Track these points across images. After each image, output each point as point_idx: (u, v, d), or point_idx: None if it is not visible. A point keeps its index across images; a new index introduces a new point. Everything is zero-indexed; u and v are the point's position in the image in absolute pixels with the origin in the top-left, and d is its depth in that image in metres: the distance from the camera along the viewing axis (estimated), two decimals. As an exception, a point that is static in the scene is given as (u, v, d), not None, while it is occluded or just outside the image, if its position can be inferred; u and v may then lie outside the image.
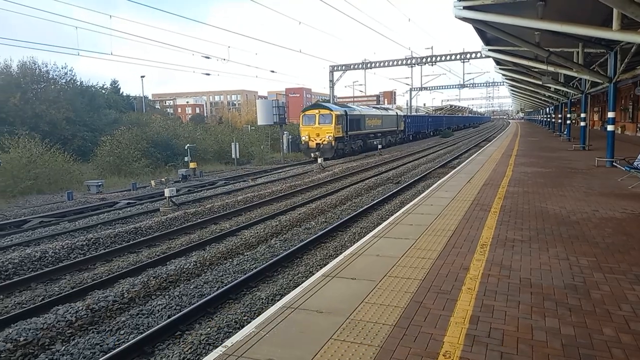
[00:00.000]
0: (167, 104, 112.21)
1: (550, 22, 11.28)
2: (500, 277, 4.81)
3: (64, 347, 5.46)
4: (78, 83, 39.41)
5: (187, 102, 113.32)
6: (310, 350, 3.42)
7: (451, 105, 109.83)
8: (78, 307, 6.27)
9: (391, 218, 7.90)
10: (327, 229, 10.43)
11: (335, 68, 46.42)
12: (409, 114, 62.21)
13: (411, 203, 9.21)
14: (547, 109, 50.57)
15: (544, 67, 16.80)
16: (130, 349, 5.24)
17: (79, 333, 5.86)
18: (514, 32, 13.64)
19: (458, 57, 42.93)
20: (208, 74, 32.56)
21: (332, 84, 46.92)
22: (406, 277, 4.88)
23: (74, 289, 7.26)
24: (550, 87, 25.76)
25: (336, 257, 8.09)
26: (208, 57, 26.80)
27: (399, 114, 43.87)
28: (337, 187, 17.22)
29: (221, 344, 5.28)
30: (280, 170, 24.85)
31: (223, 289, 7.03)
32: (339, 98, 64.31)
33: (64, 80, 36.94)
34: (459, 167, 16.20)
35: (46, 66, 34.84)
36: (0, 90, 31.11)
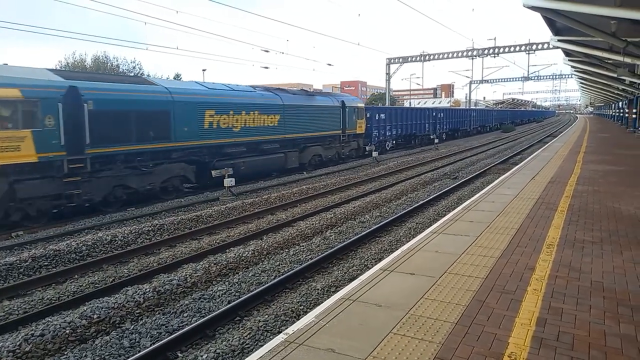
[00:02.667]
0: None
1: (629, 10, 10.50)
2: (569, 279, 4.58)
3: (133, 326, 5.79)
4: (145, 76, 41.40)
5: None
6: (370, 342, 3.43)
7: (513, 99, 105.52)
8: (145, 289, 6.63)
9: (450, 214, 7.72)
10: (381, 223, 10.35)
11: (391, 60, 45.82)
12: (389, 105, 43.59)
13: (471, 199, 8.96)
14: (620, 103, 47.31)
15: (619, 58, 15.71)
16: (194, 331, 5.49)
17: (147, 313, 6.20)
18: (587, 21, 12.83)
19: (523, 48, 41.08)
20: (267, 67, 33.05)
21: (388, 76, 46.39)
22: (467, 275, 4.76)
23: (142, 272, 7.68)
24: (624, 80, 24.05)
25: (391, 251, 8.06)
26: (267, 51, 27.25)
27: (348, 105, 23.35)
28: (392, 181, 17.03)
29: (279, 332, 5.44)
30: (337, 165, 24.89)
31: (280, 278, 7.18)
32: (395, 91, 63.26)
33: (132, 74, 38.96)
34: (522, 163, 15.54)
35: (117, 60, 36.93)
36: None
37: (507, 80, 71.73)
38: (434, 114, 37.81)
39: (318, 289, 6.82)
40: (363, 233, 9.61)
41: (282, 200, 13.73)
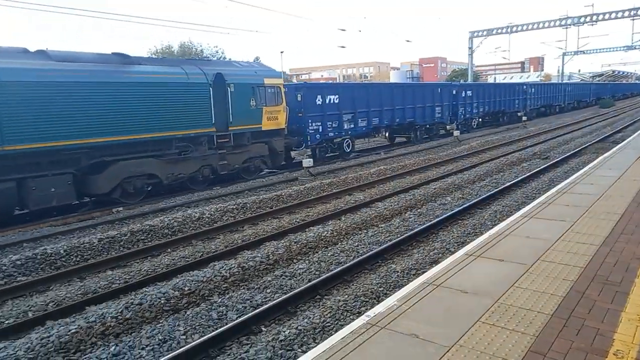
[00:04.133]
0: (302, 77, 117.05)
1: None
2: (686, 272, 4.08)
3: (220, 299, 6.09)
4: (227, 60, 42.99)
5: (322, 75, 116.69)
6: (456, 330, 3.29)
7: (613, 71, 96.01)
8: (231, 265, 6.94)
9: (542, 197, 7.21)
10: (464, 206, 9.95)
11: (475, 34, 43.46)
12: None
13: (566, 181, 8.29)
14: None
15: None
16: (276, 307, 5.66)
17: (232, 288, 6.49)
18: None
19: (626, 13, 36.92)
20: (344, 47, 32.79)
21: (470, 51, 44.14)
22: (564, 263, 4.41)
23: (227, 248, 8.05)
24: None
25: (476, 235, 7.73)
26: (344, 30, 26.92)
27: (235, 81, 13.63)
28: (475, 162, 16.26)
29: (358, 312, 5.44)
30: (412, 144, 24.29)
31: (359, 258, 7.16)
32: (478, 66, 59.94)
33: (215, 58, 40.60)
34: (625, 142, 14.11)
35: (200, 45, 38.62)
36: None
37: (606, 51, 65.19)
38: (454, 92, 25.49)
39: (397, 271, 6.72)
40: (444, 215, 9.30)
41: (360, 181, 13.67)
